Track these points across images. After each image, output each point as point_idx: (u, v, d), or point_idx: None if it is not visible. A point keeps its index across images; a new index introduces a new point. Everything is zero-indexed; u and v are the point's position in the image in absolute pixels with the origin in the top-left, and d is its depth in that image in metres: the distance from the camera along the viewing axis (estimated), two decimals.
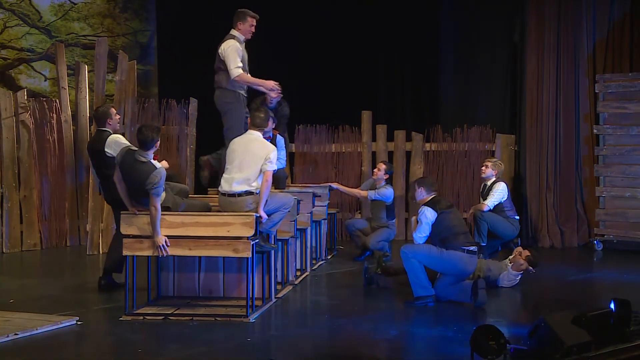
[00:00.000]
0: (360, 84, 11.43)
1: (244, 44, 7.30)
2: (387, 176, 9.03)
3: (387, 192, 8.90)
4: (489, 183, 8.52)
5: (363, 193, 9.13)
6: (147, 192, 5.93)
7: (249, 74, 7.29)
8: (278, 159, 6.82)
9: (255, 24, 7.28)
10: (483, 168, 8.63)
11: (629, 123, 9.75)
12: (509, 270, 7.30)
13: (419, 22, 11.43)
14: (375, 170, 9.18)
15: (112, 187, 6.57)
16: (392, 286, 7.18)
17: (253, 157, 6.31)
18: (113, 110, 7.24)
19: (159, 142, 6.23)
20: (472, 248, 6.59)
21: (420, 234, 6.58)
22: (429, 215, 6.54)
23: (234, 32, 7.24)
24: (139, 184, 6.02)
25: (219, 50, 7.18)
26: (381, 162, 9.35)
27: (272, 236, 6.61)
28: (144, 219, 6.00)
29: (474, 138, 10.80)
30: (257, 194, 6.25)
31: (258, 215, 6.06)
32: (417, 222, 6.68)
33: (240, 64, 7.08)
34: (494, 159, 8.82)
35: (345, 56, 11.30)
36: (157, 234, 5.94)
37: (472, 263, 6.59)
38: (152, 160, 6.14)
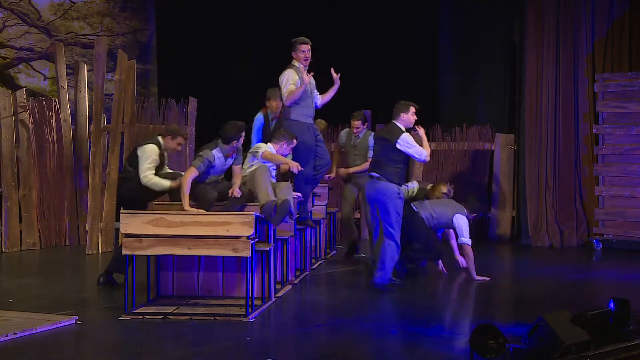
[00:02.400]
0: (360, 83, 11.41)
1: (306, 71, 7.47)
2: None
3: None
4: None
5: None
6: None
7: (317, 97, 7.66)
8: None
9: (307, 49, 7.46)
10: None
11: (628, 122, 9.75)
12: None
13: (418, 22, 11.42)
14: None
15: (131, 186, 6.73)
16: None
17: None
18: (179, 141, 7.09)
19: (238, 141, 6.62)
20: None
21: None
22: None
23: (294, 61, 7.50)
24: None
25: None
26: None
27: (274, 232, 6.64)
28: (143, 218, 6.00)
29: (473, 137, 10.79)
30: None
31: (258, 214, 6.08)
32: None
33: (290, 86, 7.30)
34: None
35: (345, 55, 11.28)
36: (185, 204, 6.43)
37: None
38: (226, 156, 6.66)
